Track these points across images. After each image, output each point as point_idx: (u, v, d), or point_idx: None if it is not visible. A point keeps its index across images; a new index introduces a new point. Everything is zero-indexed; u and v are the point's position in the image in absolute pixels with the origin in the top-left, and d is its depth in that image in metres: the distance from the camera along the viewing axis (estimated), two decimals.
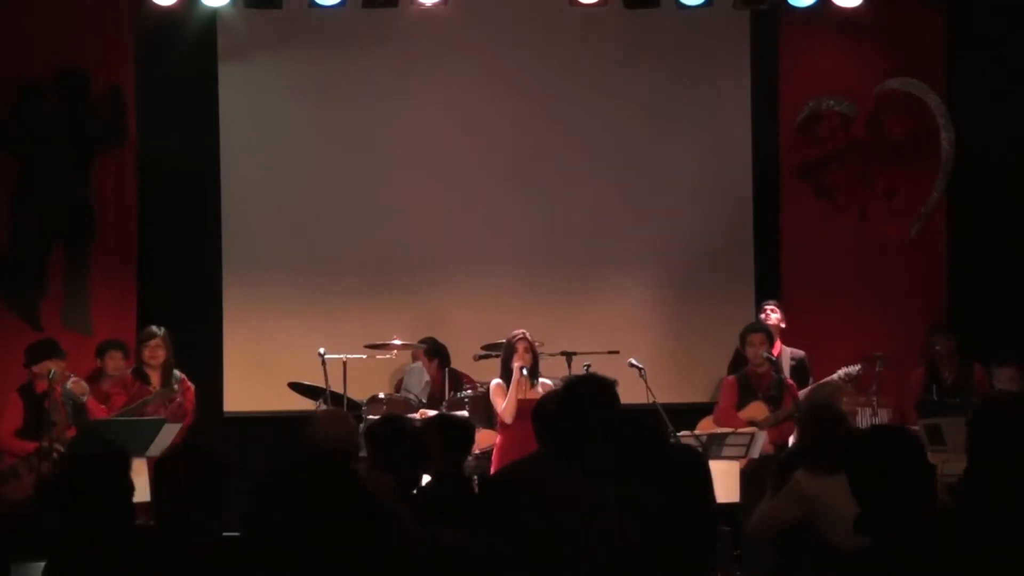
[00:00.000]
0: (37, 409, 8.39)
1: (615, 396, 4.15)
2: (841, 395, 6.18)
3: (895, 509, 3.33)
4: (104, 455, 3.98)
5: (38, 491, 7.93)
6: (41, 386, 8.44)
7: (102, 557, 3.70)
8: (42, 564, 4.03)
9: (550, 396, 4.63)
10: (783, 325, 9.77)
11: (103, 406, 8.67)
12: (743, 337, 9.19)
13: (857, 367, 9.12)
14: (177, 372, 8.94)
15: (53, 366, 8.40)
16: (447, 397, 9.34)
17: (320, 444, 5.11)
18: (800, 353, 9.62)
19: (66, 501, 3.81)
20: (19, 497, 8.28)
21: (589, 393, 4.09)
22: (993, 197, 10.53)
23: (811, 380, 9.31)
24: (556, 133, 10.67)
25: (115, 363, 9.03)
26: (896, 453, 3.44)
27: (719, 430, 8.56)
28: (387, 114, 10.56)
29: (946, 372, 9.69)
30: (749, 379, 9.08)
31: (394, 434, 5.22)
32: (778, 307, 9.87)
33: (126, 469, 3.92)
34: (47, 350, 8.61)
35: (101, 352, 9.16)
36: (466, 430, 5.69)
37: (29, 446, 8.37)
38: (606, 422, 4.03)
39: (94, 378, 9.03)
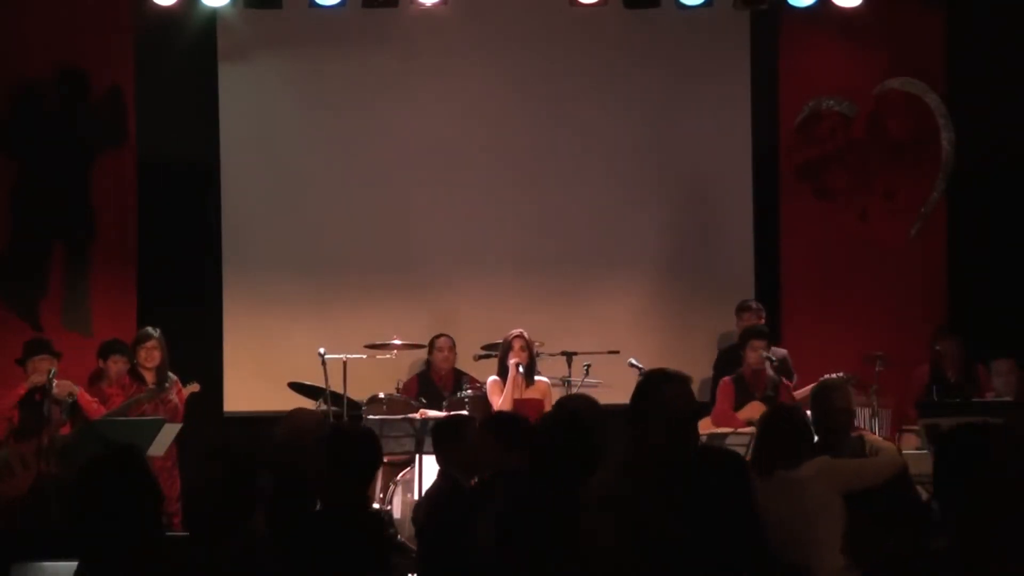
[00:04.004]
0: (33, 408, 8.39)
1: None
2: (844, 393, 6.25)
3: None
4: (115, 451, 3.90)
5: (56, 492, 7.94)
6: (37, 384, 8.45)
7: (135, 559, 3.65)
8: (42, 564, 4.02)
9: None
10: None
11: (95, 402, 8.62)
12: (744, 340, 9.22)
13: (839, 375, 9.10)
14: (171, 374, 8.94)
15: (48, 364, 8.40)
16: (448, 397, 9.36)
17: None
18: (782, 352, 9.63)
19: (88, 502, 3.73)
20: (15, 494, 8.27)
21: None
22: (993, 197, 10.53)
23: (794, 379, 9.34)
24: (556, 133, 10.67)
25: (118, 367, 8.97)
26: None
27: (718, 430, 8.57)
28: (387, 114, 10.56)
29: (950, 372, 9.68)
30: (745, 379, 9.08)
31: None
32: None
33: (143, 464, 3.86)
34: (34, 348, 8.62)
35: (104, 354, 9.03)
36: (522, 427, 5.58)
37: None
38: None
39: (95, 379, 9.00)
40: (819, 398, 6.22)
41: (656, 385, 4.15)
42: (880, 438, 6.49)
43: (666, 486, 3.77)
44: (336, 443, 4.77)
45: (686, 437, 4.11)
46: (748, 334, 9.24)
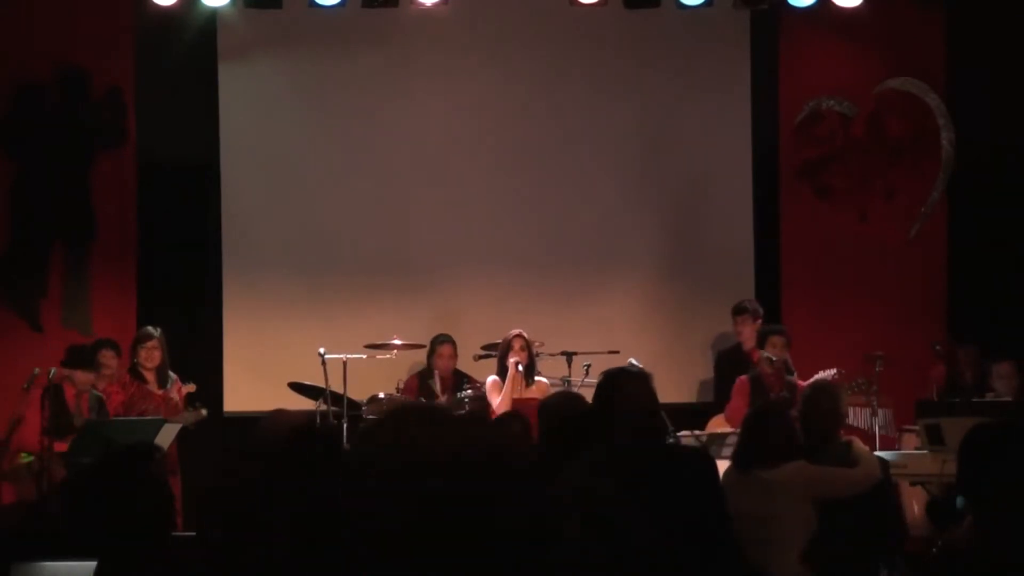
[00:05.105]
0: (58, 412, 8.35)
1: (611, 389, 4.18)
2: (833, 396, 6.29)
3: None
4: (126, 449, 3.87)
5: (63, 492, 7.91)
6: (69, 390, 8.44)
7: (153, 556, 3.63)
8: (43, 564, 4.01)
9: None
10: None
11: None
12: (764, 338, 9.24)
13: (833, 371, 9.11)
14: (171, 373, 8.94)
15: (81, 377, 8.39)
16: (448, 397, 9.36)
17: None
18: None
19: (100, 499, 3.70)
20: (21, 498, 8.27)
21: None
22: (993, 197, 10.53)
23: (794, 378, 9.35)
24: (556, 133, 10.67)
25: (107, 361, 8.98)
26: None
27: (720, 430, 8.57)
28: (387, 114, 10.56)
29: (968, 373, 9.68)
30: (762, 380, 9.10)
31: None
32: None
33: (151, 460, 3.84)
34: (75, 359, 8.56)
35: (94, 352, 8.97)
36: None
37: (58, 446, 8.33)
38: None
39: None
40: (808, 399, 6.26)
41: (617, 383, 4.19)
42: (866, 448, 6.47)
43: (632, 484, 3.80)
44: (289, 443, 4.75)
45: (650, 434, 4.17)
46: (768, 332, 9.29)
